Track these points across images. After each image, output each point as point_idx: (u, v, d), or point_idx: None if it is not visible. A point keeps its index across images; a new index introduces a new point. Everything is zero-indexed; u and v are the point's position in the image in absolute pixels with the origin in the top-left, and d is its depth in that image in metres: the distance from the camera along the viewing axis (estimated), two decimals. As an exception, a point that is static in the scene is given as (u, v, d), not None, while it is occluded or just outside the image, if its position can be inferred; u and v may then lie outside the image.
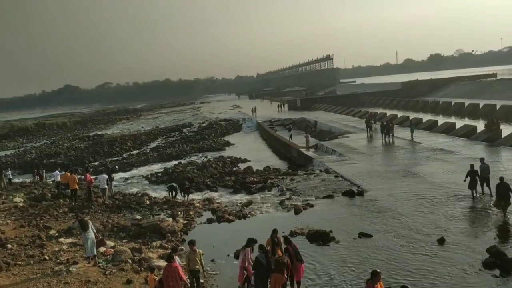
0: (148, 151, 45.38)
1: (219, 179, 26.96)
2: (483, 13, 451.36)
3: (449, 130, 33.25)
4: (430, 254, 12.11)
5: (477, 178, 16.69)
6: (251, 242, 10.71)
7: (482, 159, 17.65)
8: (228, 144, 45.00)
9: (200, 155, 39.86)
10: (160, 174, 30.97)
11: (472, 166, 16.99)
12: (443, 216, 15.05)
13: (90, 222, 13.42)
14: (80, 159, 43.40)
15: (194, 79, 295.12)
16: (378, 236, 13.84)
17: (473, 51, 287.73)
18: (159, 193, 25.03)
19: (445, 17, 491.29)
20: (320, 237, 14.07)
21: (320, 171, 24.94)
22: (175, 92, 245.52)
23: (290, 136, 38.07)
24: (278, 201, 19.47)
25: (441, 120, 39.40)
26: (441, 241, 12.80)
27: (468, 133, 30.96)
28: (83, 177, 25.51)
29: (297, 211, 17.37)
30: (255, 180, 24.77)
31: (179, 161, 36.85)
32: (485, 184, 16.79)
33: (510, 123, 38.38)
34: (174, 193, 22.25)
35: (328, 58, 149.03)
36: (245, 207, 19.05)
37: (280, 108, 74.16)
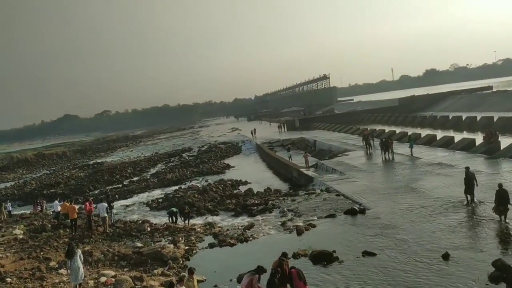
0: (148, 177, 45.28)
1: (220, 202, 26.82)
2: (477, 27, 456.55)
3: (448, 144, 33.24)
4: (435, 270, 11.93)
5: (474, 183, 17.43)
6: (260, 270, 10.55)
7: (467, 168, 18.13)
8: (228, 166, 44.92)
9: (201, 179, 39.73)
10: (160, 200, 30.82)
11: (466, 173, 17.65)
12: (446, 230, 14.91)
13: (79, 251, 13.37)
14: (80, 188, 43.25)
15: (193, 104, 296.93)
16: (382, 254, 13.66)
17: (468, 65, 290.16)
18: (160, 219, 24.84)
19: (439, 32, 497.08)
20: (324, 258, 13.89)
21: (321, 190, 24.83)
22: (174, 117, 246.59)
23: (290, 157, 38.06)
24: (280, 223, 19.31)
25: (439, 134, 39.45)
26: (446, 257, 12.64)
27: (467, 146, 30.94)
28: (83, 206, 25.37)
29: (300, 232, 17.21)
30: (256, 202, 24.63)
31: (179, 186, 36.73)
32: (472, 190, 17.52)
33: (508, 134, 38.42)
34: (174, 218, 22.08)
35: (325, 77, 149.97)
36: (246, 230, 18.88)
37: (280, 129, 74.76)
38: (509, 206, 14.76)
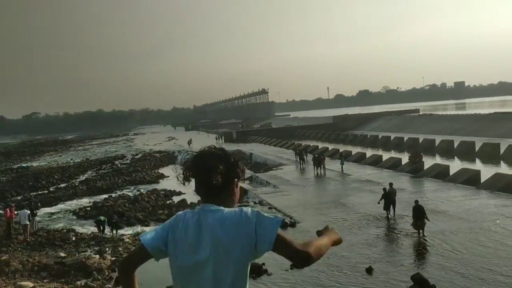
0: (76, 184, 43.31)
1: (152, 213, 26.22)
2: (408, 54, 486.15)
3: (376, 162, 34.84)
4: (359, 284, 12.40)
5: (394, 198, 18.76)
6: None
7: (390, 184, 19.76)
8: (163, 176, 44.04)
9: (133, 188, 38.61)
10: (89, 209, 29.56)
11: (385, 189, 19.17)
12: (369, 244, 15.60)
13: None
14: (1, 193, 40.49)
15: (129, 110, 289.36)
16: (308, 267, 13.95)
17: (398, 88, 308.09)
18: (87, 228, 23.81)
19: (374, 56, 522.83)
20: (253, 271, 13.96)
21: (255, 203, 25.04)
22: (108, 123, 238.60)
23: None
24: (212, 234, 19.18)
25: (369, 152, 41.24)
26: (369, 271, 13.17)
27: (394, 165, 32.60)
28: (2, 212, 23.77)
29: (231, 244, 17.19)
30: (189, 213, 24.31)
31: (110, 194, 35.46)
32: (392, 206, 18.75)
33: (431, 155, 40.98)
34: (102, 227, 21.25)
35: (264, 92, 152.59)
36: (177, 241, 18.55)
37: (218, 140, 74.79)
38: (425, 220, 15.89)
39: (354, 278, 12.83)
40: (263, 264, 14.32)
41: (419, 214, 15.91)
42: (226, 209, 2.08)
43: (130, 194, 34.56)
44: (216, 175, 2.08)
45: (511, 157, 35.28)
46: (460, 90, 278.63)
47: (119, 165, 57.01)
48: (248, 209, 2.08)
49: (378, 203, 18.94)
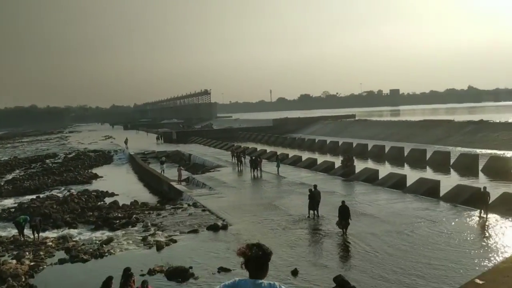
0: (2, 183, 40.78)
1: (81, 214, 25.18)
2: (347, 60, 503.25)
3: (311, 165, 35.65)
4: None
5: (318, 199, 19.61)
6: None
7: (315, 186, 20.58)
8: (96, 176, 42.54)
9: (63, 188, 36.94)
10: (13, 210, 27.91)
11: (310, 190, 20.02)
12: (294, 245, 15.96)
13: None
14: None
15: (65, 107, 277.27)
16: (237, 269, 13.99)
17: (337, 93, 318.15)
18: (9, 231, 22.45)
19: (314, 61, 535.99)
20: (179, 274, 13.80)
21: (189, 205, 24.76)
22: (42, 119, 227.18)
23: (163, 170, 37.43)
24: (141, 238, 18.73)
25: (305, 155, 42.16)
26: (295, 273, 13.40)
27: (328, 168, 33.52)
28: None
29: (159, 247, 16.89)
30: (120, 215, 23.61)
31: (37, 195, 33.67)
32: (316, 206, 19.63)
33: (364, 159, 42.58)
34: (21, 229, 19.97)
35: (206, 92, 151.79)
36: (104, 245, 17.94)
37: (158, 140, 73.55)
38: (349, 220, 16.77)
39: (279, 280, 12.99)
40: (191, 267, 14.19)
41: (344, 214, 16.70)
42: (264, 282, 3.15)
43: (59, 195, 33.03)
44: (268, 263, 3.27)
45: (435, 162, 37.44)
46: (395, 97, 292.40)
47: (50, 164, 54.46)
48: (276, 285, 3.15)
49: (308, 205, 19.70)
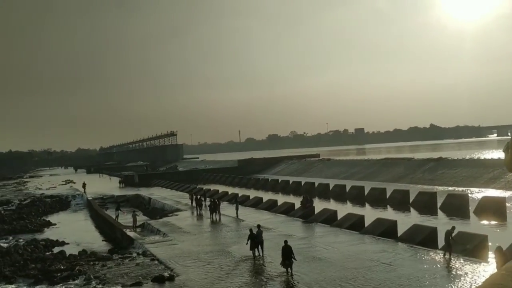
0: None
1: (22, 267, 23.44)
2: (314, 101, 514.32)
3: (271, 207, 34.98)
4: None
5: (255, 240, 19.72)
6: None
7: (258, 226, 20.92)
8: (49, 224, 40.51)
9: (11, 238, 34.86)
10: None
11: (251, 230, 20.11)
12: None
13: None
14: None
15: (28, 151, 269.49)
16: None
17: (304, 133, 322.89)
18: None
19: (281, 102, 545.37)
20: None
21: (138, 254, 23.43)
22: (2, 164, 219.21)
23: (117, 216, 35.89)
24: (80, 292, 17.41)
25: (269, 196, 41.53)
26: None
27: (288, 210, 32.90)
28: None
29: (97, 303, 15.62)
30: (62, 267, 22.10)
31: (-19, 246, 31.49)
32: (260, 246, 19.79)
33: (326, 199, 42.26)
34: None
35: (172, 134, 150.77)
36: (37, 303, 16.51)
37: (121, 184, 72.07)
38: (293, 259, 16.75)
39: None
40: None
41: (287, 254, 16.77)
42: None
43: (4, 245, 30.99)
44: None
45: (395, 201, 37.43)
46: (360, 136, 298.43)
47: (2, 211, 51.71)
48: None
49: (246, 243, 19.96)
